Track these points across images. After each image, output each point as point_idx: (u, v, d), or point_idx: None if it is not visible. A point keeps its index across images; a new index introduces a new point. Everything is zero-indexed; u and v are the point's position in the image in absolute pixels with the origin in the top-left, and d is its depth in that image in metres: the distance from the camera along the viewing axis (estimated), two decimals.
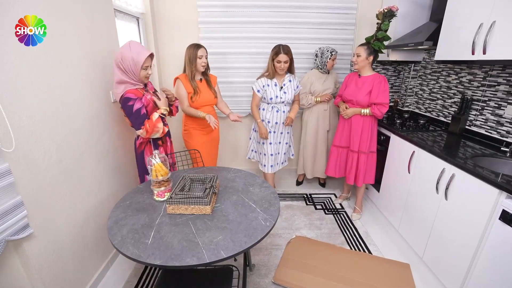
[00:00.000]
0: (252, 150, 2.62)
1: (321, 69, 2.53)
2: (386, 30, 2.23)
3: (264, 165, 2.50)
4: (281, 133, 2.45)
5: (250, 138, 2.61)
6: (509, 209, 1.21)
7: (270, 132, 2.40)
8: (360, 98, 2.13)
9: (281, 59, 2.15)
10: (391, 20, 2.24)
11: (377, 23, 2.30)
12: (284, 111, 2.37)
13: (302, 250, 1.98)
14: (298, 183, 3.04)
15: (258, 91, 2.29)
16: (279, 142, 2.47)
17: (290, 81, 2.30)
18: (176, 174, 1.73)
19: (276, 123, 2.37)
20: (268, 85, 2.27)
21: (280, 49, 2.14)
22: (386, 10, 2.21)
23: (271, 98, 2.28)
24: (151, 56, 1.58)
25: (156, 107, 1.68)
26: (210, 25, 2.69)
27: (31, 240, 1.19)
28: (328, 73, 2.55)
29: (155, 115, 1.63)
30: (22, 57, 1.13)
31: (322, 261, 1.86)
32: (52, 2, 1.29)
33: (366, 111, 2.14)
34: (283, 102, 2.32)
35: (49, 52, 1.27)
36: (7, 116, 1.04)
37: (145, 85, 1.70)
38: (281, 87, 2.29)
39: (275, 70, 2.23)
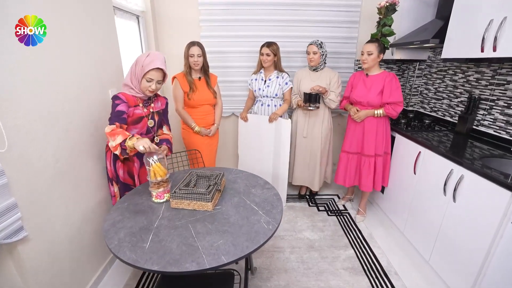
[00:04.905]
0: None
1: (308, 65, 2.39)
2: (390, 25, 2.16)
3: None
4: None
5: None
6: None
7: None
8: (371, 99, 2.02)
9: (263, 52, 2.29)
10: (393, 13, 2.18)
11: (379, 18, 2.23)
12: (269, 105, 2.40)
13: None
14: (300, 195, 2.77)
15: (249, 84, 2.51)
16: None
17: (277, 77, 2.36)
18: (176, 175, 1.69)
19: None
20: (255, 79, 2.43)
21: (265, 44, 2.29)
22: (388, 4, 2.13)
23: (255, 91, 2.45)
24: (163, 73, 1.49)
25: (136, 124, 1.51)
26: (211, 24, 2.65)
27: (26, 243, 1.15)
28: (315, 70, 2.33)
29: (123, 135, 1.31)
30: (18, 55, 1.09)
31: None
32: (51, 0, 1.25)
33: (380, 111, 2.02)
34: (267, 96, 2.38)
35: (46, 50, 1.23)
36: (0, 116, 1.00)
37: (149, 99, 1.58)
38: (265, 81, 2.38)
39: (261, 65, 2.38)
